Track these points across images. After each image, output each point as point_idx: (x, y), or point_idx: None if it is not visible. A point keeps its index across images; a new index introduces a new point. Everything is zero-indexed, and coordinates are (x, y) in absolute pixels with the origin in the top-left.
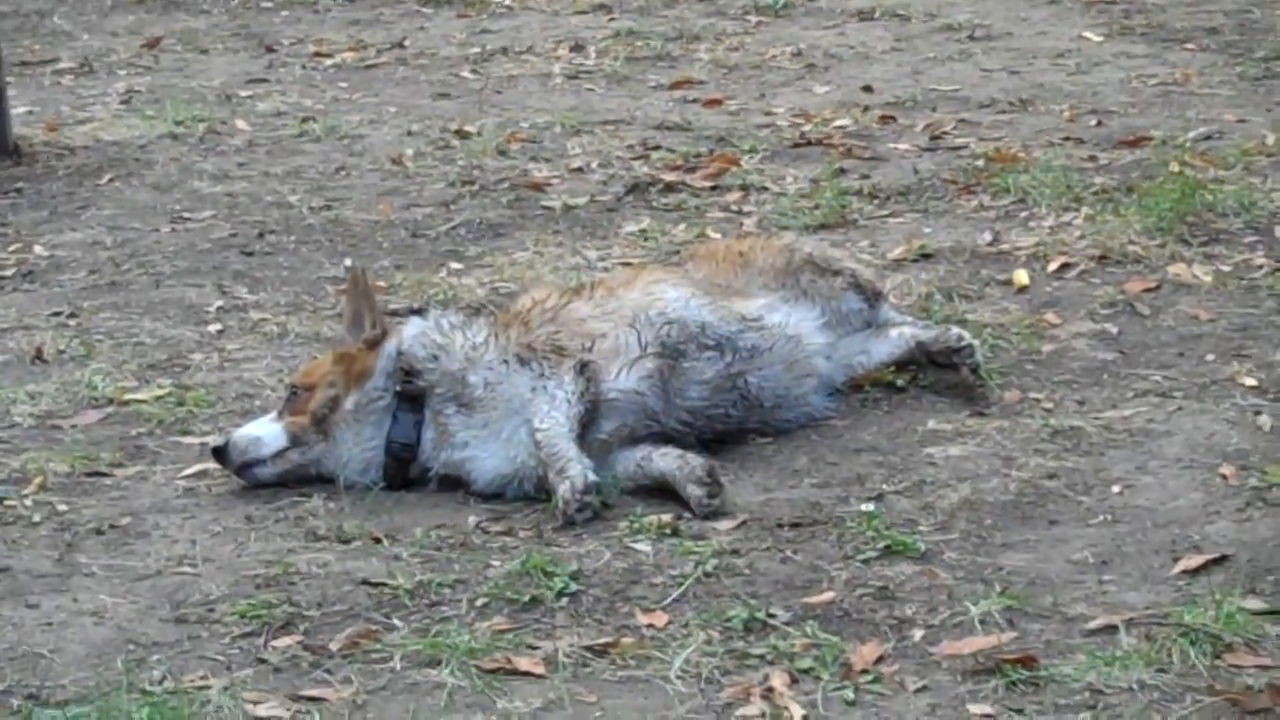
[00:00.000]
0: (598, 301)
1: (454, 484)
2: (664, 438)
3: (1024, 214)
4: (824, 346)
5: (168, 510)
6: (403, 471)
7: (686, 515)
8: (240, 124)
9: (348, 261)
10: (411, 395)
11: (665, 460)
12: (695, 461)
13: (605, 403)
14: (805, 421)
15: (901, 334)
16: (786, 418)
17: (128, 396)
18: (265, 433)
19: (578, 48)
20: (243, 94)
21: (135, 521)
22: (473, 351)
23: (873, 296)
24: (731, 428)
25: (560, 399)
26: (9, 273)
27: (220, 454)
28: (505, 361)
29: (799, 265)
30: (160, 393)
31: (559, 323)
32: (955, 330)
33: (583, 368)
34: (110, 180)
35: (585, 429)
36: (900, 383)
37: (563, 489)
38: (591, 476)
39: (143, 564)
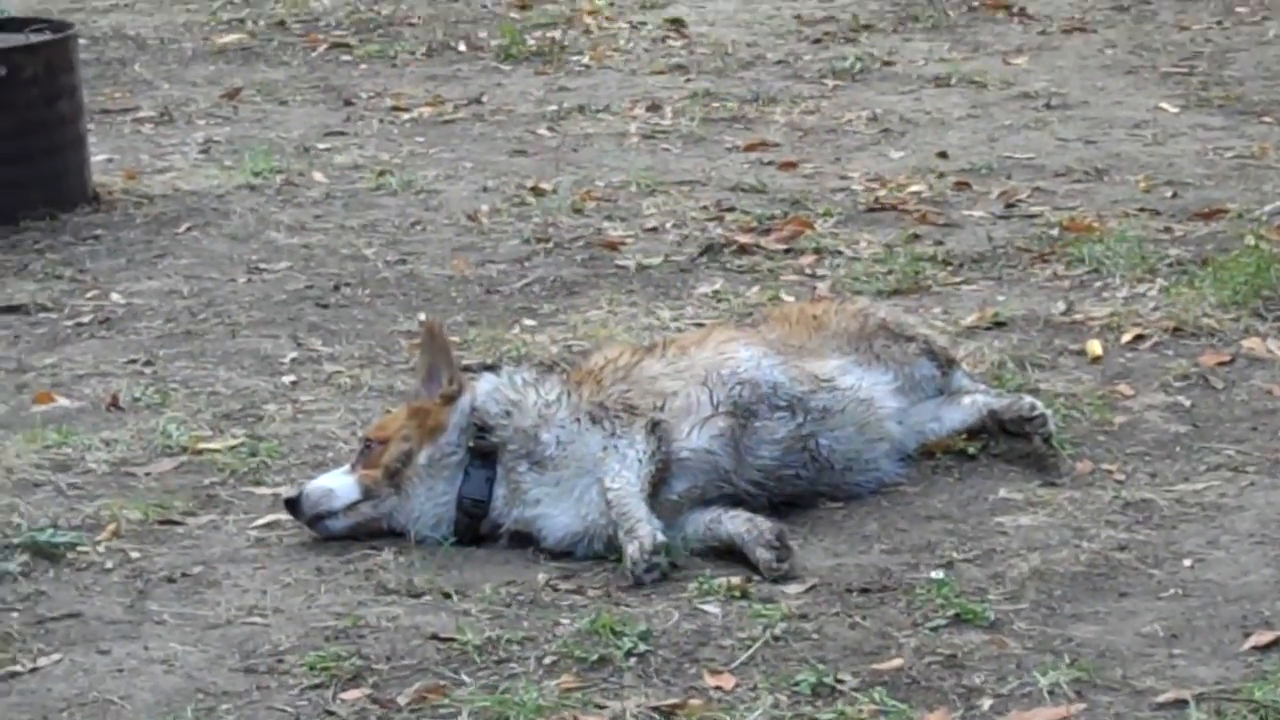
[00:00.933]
0: (670, 360)
1: (525, 541)
2: (735, 499)
3: (1098, 284)
4: (896, 411)
5: (239, 560)
6: (474, 527)
7: (756, 578)
8: (317, 176)
9: (422, 316)
10: (484, 451)
11: (734, 523)
12: (764, 525)
13: (676, 462)
14: (876, 486)
15: (974, 401)
16: (857, 481)
17: (201, 446)
18: (338, 485)
19: (654, 107)
20: (320, 146)
21: (207, 570)
22: (545, 409)
23: (946, 363)
24: (802, 489)
25: (631, 458)
26: (86, 319)
27: (293, 505)
28: (577, 420)
29: (873, 330)
30: (234, 443)
31: (631, 381)
32: (1028, 399)
33: (654, 427)
34: (188, 229)
35: (656, 489)
36: (972, 450)
37: (631, 549)
38: (660, 537)
39: (213, 613)
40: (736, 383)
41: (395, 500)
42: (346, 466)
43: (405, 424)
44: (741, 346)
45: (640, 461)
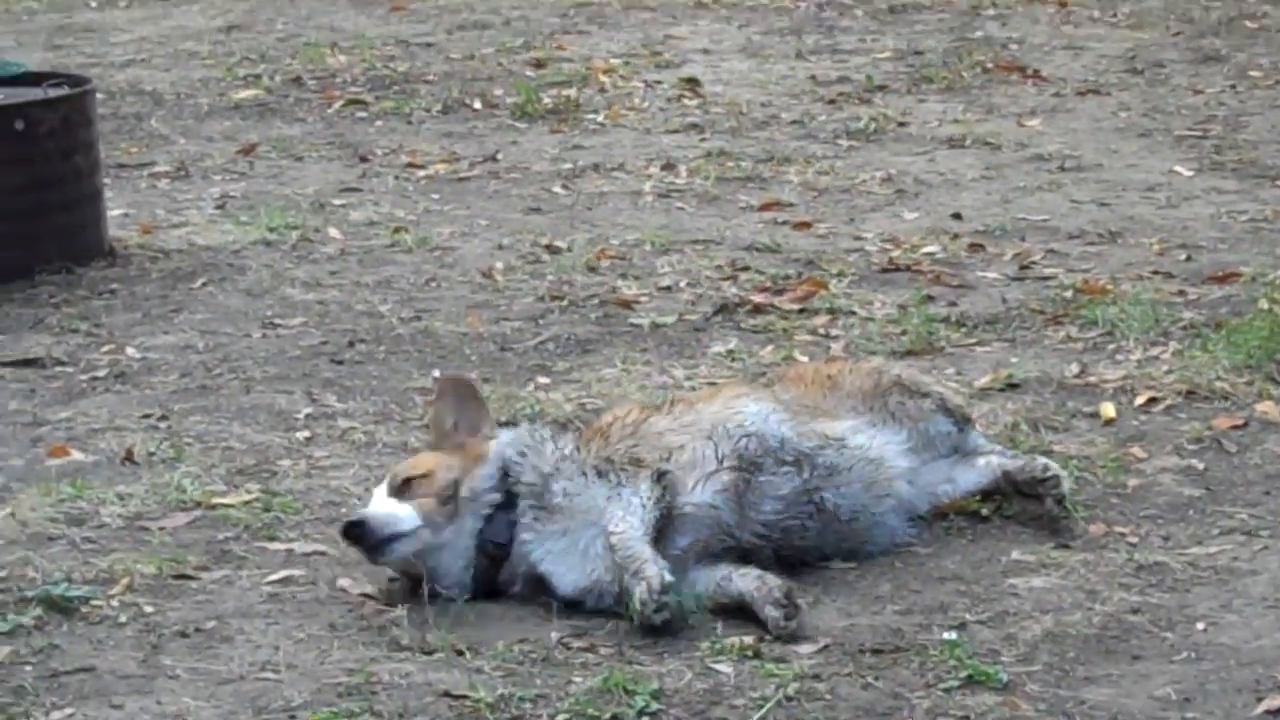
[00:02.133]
0: (676, 415)
1: (538, 590)
2: (741, 554)
3: (1111, 346)
4: (906, 470)
5: (252, 615)
6: (493, 573)
7: (768, 637)
8: (333, 232)
9: (437, 372)
10: (507, 496)
11: (744, 581)
12: (773, 583)
13: (680, 516)
14: (885, 544)
15: (989, 463)
16: (863, 539)
17: (216, 500)
18: (399, 510)
19: (669, 166)
20: (336, 202)
21: (220, 625)
22: (560, 461)
23: (962, 420)
24: (808, 544)
25: (635, 505)
26: (101, 373)
27: (356, 529)
28: (584, 473)
29: (887, 387)
30: (248, 498)
31: (638, 436)
32: (1042, 460)
33: (659, 476)
34: (203, 284)
35: (660, 542)
36: (985, 512)
37: (639, 590)
38: (668, 577)
39: (226, 668)
40: (742, 436)
41: (447, 531)
42: (375, 499)
43: (446, 458)
44: (750, 401)
45: (644, 507)
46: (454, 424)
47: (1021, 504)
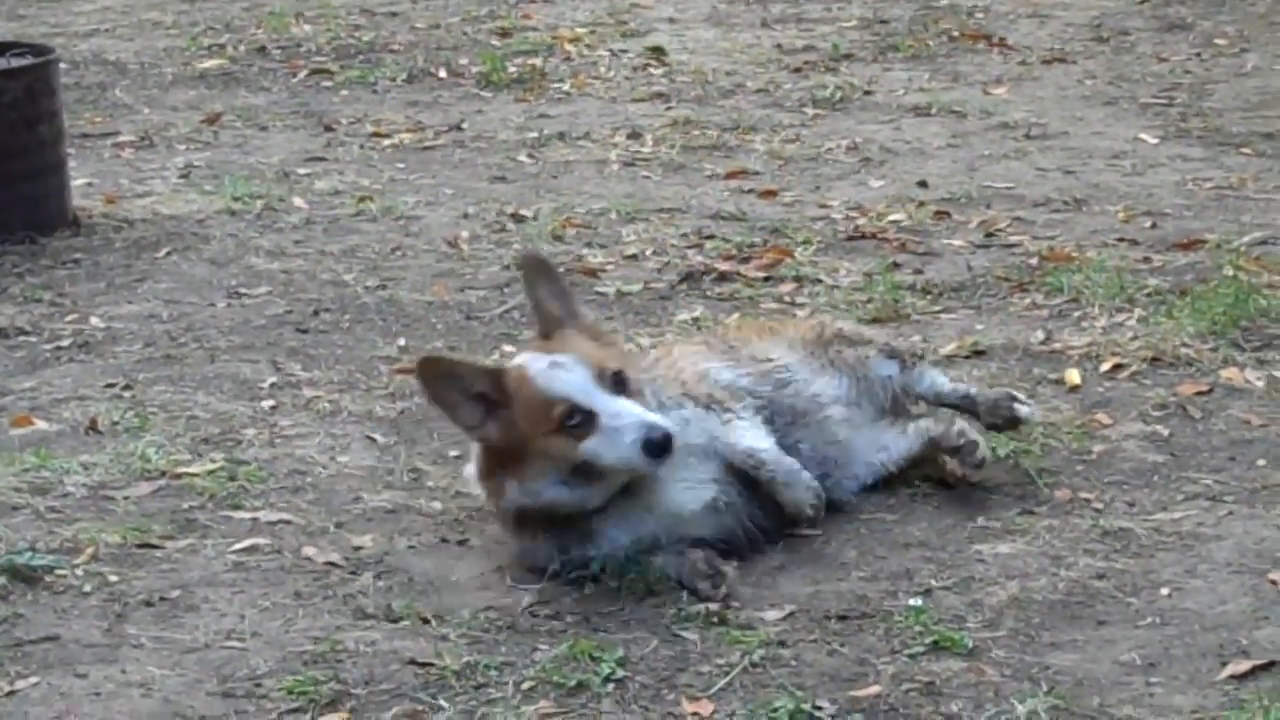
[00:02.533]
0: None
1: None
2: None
3: (1077, 314)
4: (844, 419)
5: (217, 584)
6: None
7: (735, 604)
8: (298, 201)
9: (401, 341)
10: None
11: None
12: (695, 555)
13: None
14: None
15: (918, 428)
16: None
17: (180, 470)
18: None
19: (635, 135)
20: (301, 172)
21: (185, 594)
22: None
23: (908, 360)
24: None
25: (757, 426)
26: (66, 343)
27: (668, 443)
28: (691, 404)
29: (829, 338)
30: (212, 467)
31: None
32: (960, 426)
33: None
34: (167, 254)
35: None
36: (948, 480)
37: (801, 493)
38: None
39: (191, 637)
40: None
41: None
42: (606, 397)
43: (616, 353)
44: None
45: (762, 429)
46: (559, 308)
47: (988, 471)
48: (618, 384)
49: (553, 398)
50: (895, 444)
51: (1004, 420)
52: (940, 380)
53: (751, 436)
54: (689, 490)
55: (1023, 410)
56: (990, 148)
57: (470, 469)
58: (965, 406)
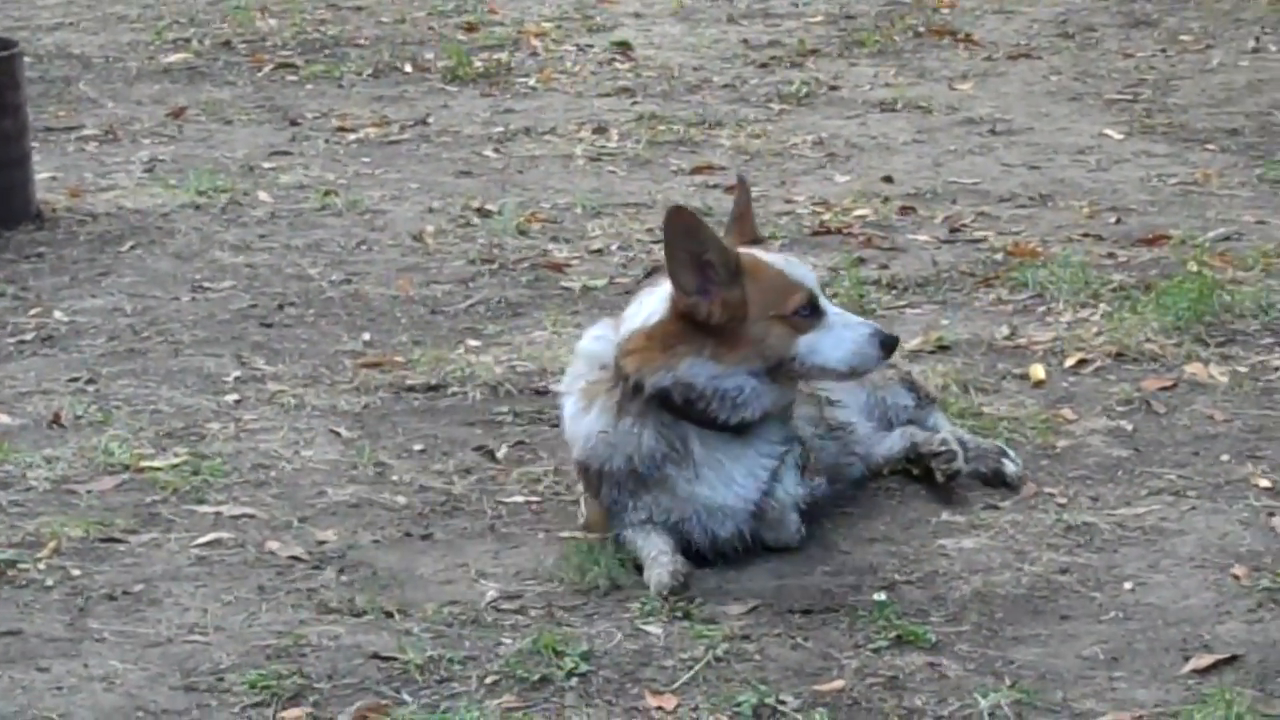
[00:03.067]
0: None
1: None
2: None
3: (1041, 309)
4: (858, 423)
5: (180, 578)
6: None
7: (699, 598)
8: (262, 195)
9: (365, 335)
10: None
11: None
12: (677, 561)
13: None
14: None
15: (904, 433)
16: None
17: (144, 464)
18: None
19: (600, 130)
20: (265, 166)
21: (148, 588)
22: None
23: (924, 398)
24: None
25: None
26: (29, 337)
27: (897, 343)
28: None
29: None
30: (176, 461)
31: None
32: (943, 435)
33: None
34: (132, 248)
35: None
36: (915, 472)
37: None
38: None
39: (154, 631)
40: None
41: None
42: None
43: None
44: None
45: None
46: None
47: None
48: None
49: (794, 284)
50: (878, 446)
51: (990, 472)
52: (943, 424)
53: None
54: (735, 488)
55: (1009, 469)
56: (955, 143)
57: (595, 344)
58: (960, 448)
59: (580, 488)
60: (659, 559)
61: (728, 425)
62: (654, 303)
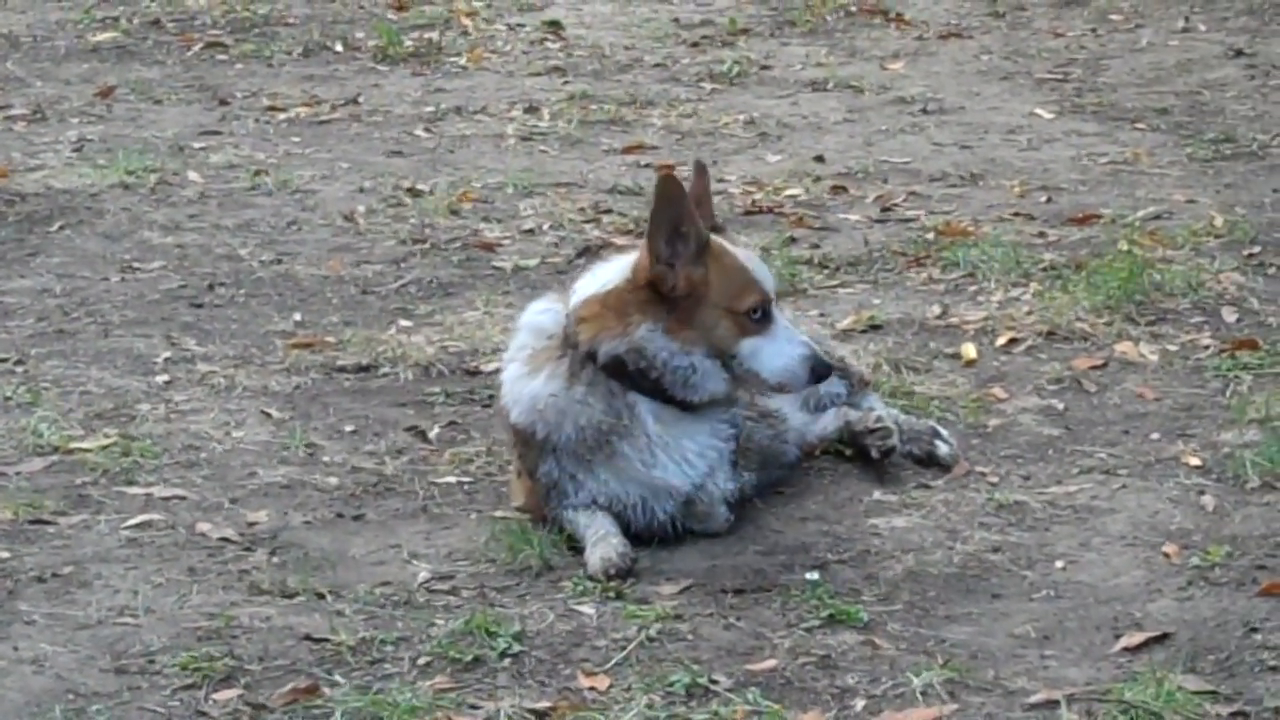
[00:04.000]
0: None
1: None
2: None
3: (973, 288)
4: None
5: (110, 560)
6: None
7: (631, 579)
8: (192, 175)
9: (297, 316)
10: None
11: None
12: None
13: None
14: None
15: (838, 413)
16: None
17: (73, 445)
18: None
19: (532, 109)
20: (195, 145)
21: (77, 571)
22: None
23: (858, 384)
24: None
25: None
26: None
27: (830, 372)
28: None
29: None
30: (106, 442)
31: None
32: (878, 413)
33: None
34: (60, 228)
35: None
36: (848, 452)
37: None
38: None
39: (84, 613)
40: None
41: None
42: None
43: None
44: None
45: None
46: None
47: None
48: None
49: (753, 283)
50: (815, 426)
51: (923, 454)
52: (877, 405)
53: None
54: (685, 468)
55: (942, 449)
56: (887, 123)
57: (541, 317)
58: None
59: (513, 465)
60: (607, 539)
61: (676, 401)
62: (610, 273)
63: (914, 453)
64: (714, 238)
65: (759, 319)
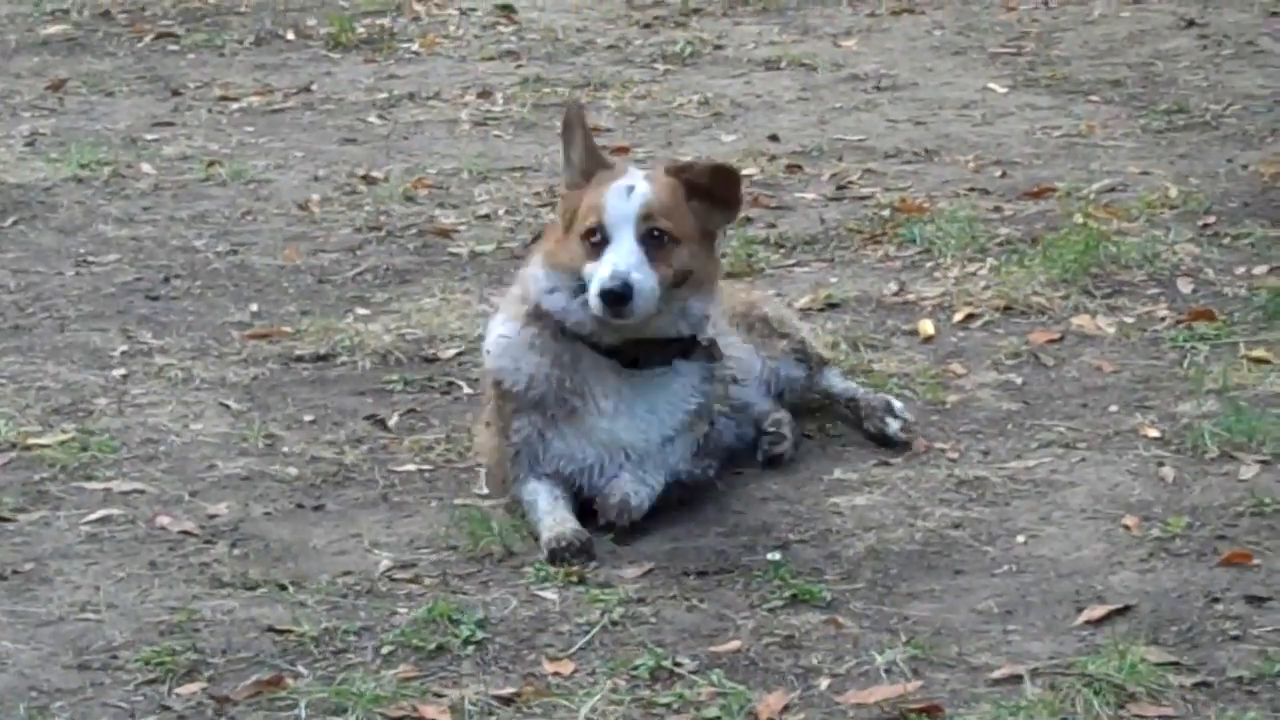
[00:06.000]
0: None
1: None
2: None
3: (929, 264)
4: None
5: (71, 556)
6: None
7: (593, 563)
8: (145, 168)
9: (254, 307)
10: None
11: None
12: (571, 527)
13: None
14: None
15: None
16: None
17: (30, 441)
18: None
19: (485, 94)
20: (148, 137)
21: (38, 567)
22: None
23: (816, 364)
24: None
25: None
26: None
27: (624, 297)
28: None
29: (754, 318)
30: (64, 437)
31: None
32: (778, 417)
33: None
34: (14, 223)
35: None
36: (806, 432)
37: None
38: None
39: (45, 610)
40: None
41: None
42: (628, 237)
43: (684, 226)
44: None
45: None
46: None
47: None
48: (651, 236)
49: (595, 206)
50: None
51: (875, 433)
52: (836, 381)
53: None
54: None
55: (891, 427)
56: (841, 100)
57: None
58: (850, 409)
59: (485, 417)
60: (565, 521)
61: (601, 348)
62: None
63: (869, 430)
64: (621, 168)
65: (596, 242)
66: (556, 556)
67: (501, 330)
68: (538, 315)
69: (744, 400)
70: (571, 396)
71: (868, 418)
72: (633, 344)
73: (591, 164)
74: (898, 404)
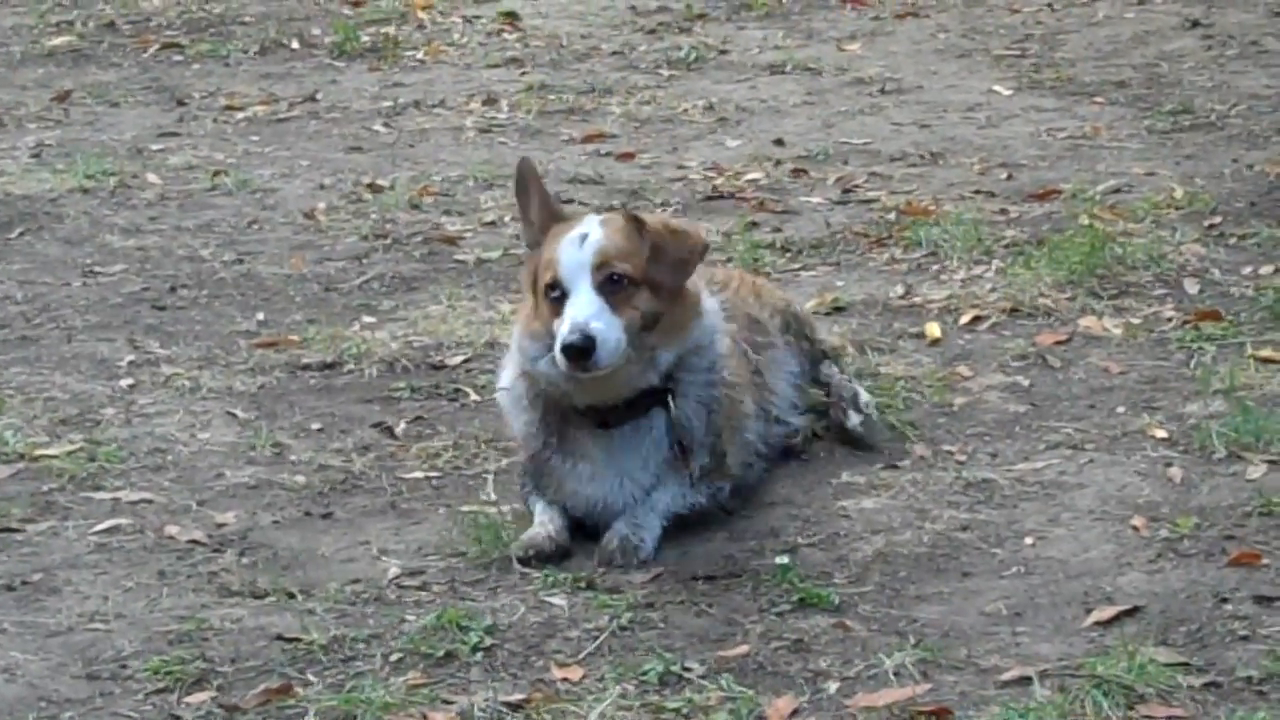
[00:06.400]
0: None
1: None
2: None
3: (935, 267)
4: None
5: (79, 566)
6: None
7: (600, 569)
8: (151, 178)
9: (260, 315)
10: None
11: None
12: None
13: None
14: None
15: None
16: None
17: (38, 452)
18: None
19: (490, 101)
20: (154, 147)
21: (47, 578)
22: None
23: (831, 354)
24: None
25: None
26: None
27: (586, 352)
28: None
29: (790, 317)
30: (71, 448)
31: None
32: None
33: None
34: (21, 234)
35: None
36: (815, 432)
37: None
38: None
39: (54, 620)
40: None
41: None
42: (586, 288)
43: (645, 269)
44: None
45: None
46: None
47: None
48: (610, 282)
49: (550, 260)
50: None
51: (837, 424)
52: (835, 374)
53: None
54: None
55: (851, 420)
56: (846, 104)
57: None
58: (827, 394)
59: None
60: (547, 525)
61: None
62: None
63: (834, 419)
64: (568, 221)
65: (556, 297)
66: (522, 561)
67: (503, 382)
68: (527, 374)
69: (786, 421)
70: (554, 456)
71: (834, 406)
72: (600, 408)
73: (547, 219)
74: (865, 397)
